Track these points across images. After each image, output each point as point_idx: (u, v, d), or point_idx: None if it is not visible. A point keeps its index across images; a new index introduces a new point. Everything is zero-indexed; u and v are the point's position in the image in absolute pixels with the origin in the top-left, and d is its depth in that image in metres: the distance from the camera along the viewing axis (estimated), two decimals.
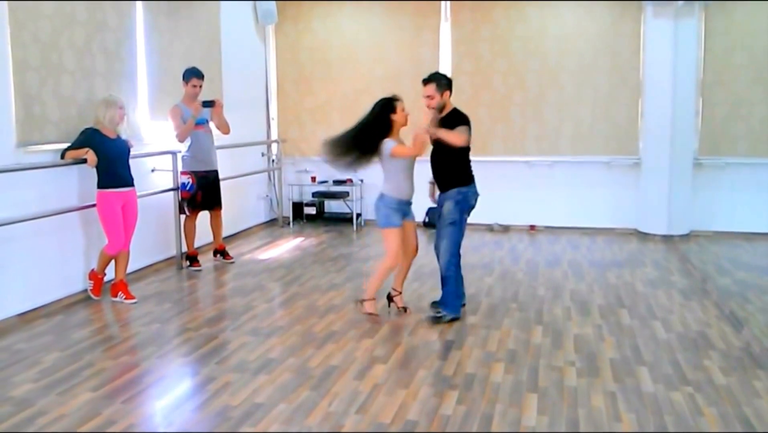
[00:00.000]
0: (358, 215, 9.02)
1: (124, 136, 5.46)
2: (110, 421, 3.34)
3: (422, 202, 5.06)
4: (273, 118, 9.41)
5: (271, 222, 9.26)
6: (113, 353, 4.32)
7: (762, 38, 7.79)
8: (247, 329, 4.76)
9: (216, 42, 7.69)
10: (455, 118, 4.87)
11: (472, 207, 5.01)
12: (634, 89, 8.22)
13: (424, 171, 5.07)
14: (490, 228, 8.62)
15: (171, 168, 6.49)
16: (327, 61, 9.17)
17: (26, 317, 4.98)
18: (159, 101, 6.55)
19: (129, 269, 5.72)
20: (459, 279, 4.98)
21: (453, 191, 4.93)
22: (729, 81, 7.93)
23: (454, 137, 4.74)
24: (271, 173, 9.30)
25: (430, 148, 4.96)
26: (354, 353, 4.28)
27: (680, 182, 7.90)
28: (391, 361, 4.14)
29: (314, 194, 9.21)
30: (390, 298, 5.16)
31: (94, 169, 5.24)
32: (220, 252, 6.95)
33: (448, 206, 4.91)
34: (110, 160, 5.26)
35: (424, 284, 5.83)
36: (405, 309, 5.09)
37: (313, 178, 9.23)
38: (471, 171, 5.01)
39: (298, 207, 9.28)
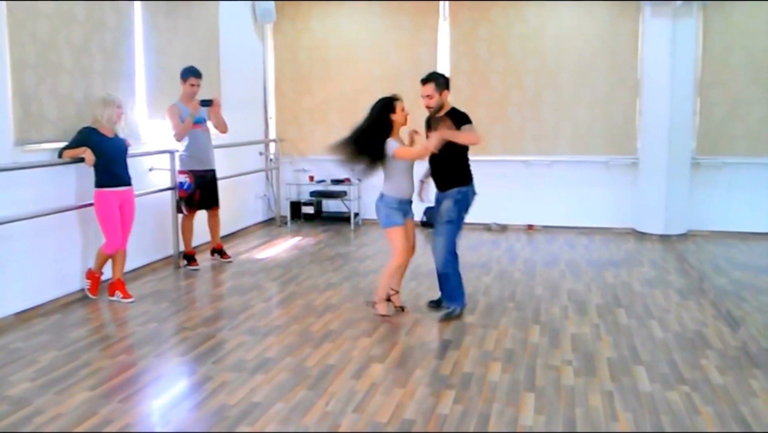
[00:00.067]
0: (356, 214, 9.02)
1: (121, 135, 5.46)
2: (107, 420, 3.34)
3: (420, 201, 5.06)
4: (271, 118, 9.41)
5: (269, 221, 9.26)
6: (110, 352, 4.32)
7: (760, 38, 7.80)
8: (244, 329, 4.76)
9: (214, 41, 7.68)
10: (457, 118, 4.88)
11: (470, 206, 5.03)
12: (632, 89, 8.22)
13: (420, 170, 5.08)
14: (487, 227, 8.63)
15: (169, 167, 6.48)
16: (325, 61, 9.17)
17: (23, 316, 4.98)
18: (157, 100, 6.54)
19: (126, 268, 5.72)
20: (459, 274, 5.01)
21: (453, 191, 4.94)
22: (727, 81, 7.94)
23: (470, 137, 4.75)
24: (269, 172, 9.30)
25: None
26: (351, 352, 4.28)
27: (678, 182, 7.91)
28: (388, 360, 4.14)
29: (312, 193, 9.21)
30: (387, 297, 5.16)
31: (92, 169, 5.23)
32: (218, 251, 6.95)
33: (447, 204, 4.92)
34: (108, 160, 5.25)
35: (422, 283, 5.83)
36: (402, 308, 5.09)
37: (311, 178, 9.23)
38: (470, 170, 5.02)
39: (295, 206, 9.27)
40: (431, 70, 5.23)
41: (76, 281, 5.56)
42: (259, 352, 4.29)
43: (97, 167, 5.23)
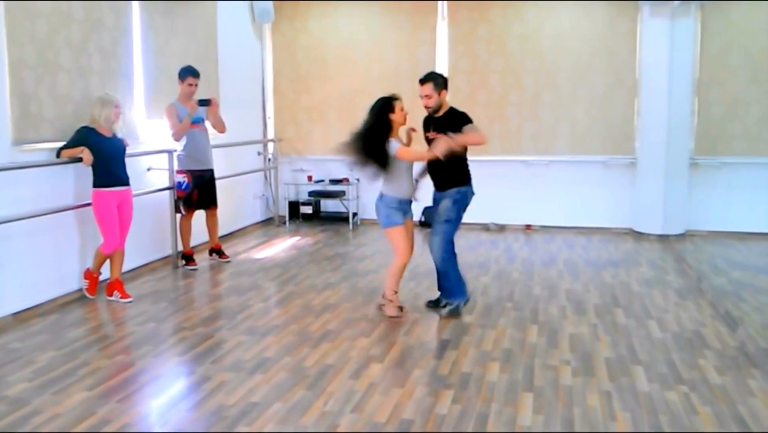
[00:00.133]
0: (354, 214, 9.02)
1: (119, 135, 5.45)
2: (105, 420, 3.33)
3: (423, 201, 5.06)
4: (269, 117, 9.40)
5: (267, 221, 9.26)
6: (108, 352, 4.31)
7: (758, 38, 7.80)
8: (242, 329, 4.76)
9: (212, 41, 7.68)
10: (458, 118, 4.88)
11: (468, 205, 5.04)
12: (631, 89, 8.23)
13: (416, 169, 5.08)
14: (486, 227, 8.63)
15: (167, 167, 6.48)
16: (323, 60, 9.17)
17: (21, 316, 4.97)
18: (155, 100, 6.54)
19: (125, 268, 5.72)
20: (458, 270, 5.04)
21: (452, 191, 4.95)
22: (725, 81, 7.95)
23: (476, 139, 4.75)
24: (267, 172, 9.30)
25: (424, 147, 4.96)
26: (349, 352, 4.28)
27: (676, 182, 7.91)
28: (386, 360, 4.14)
29: (310, 193, 9.20)
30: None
31: (90, 168, 5.23)
32: (216, 251, 6.94)
33: (447, 204, 4.93)
34: (106, 159, 5.25)
35: (420, 283, 5.83)
36: (401, 308, 5.09)
37: (310, 178, 9.23)
38: (469, 170, 5.03)
39: (294, 206, 9.27)
40: (430, 70, 5.22)
41: (74, 281, 5.55)
42: (257, 352, 4.29)
43: (95, 167, 5.22)
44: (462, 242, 5.16)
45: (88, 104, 5.40)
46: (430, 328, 4.81)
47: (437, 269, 5.08)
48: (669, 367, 4.01)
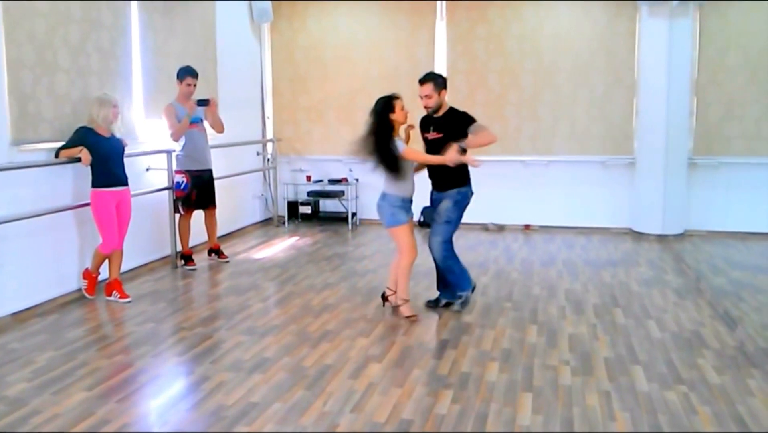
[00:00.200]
0: (353, 214, 9.02)
1: (118, 135, 5.45)
2: (104, 420, 3.33)
3: (418, 201, 5.05)
4: (268, 117, 9.40)
5: (266, 221, 9.25)
6: (107, 353, 4.31)
7: (756, 38, 7.81)
8: (241, 329, 4.76)
9: (211, 41, 7.67)
10: (459, 118, 4.89)
11: (468, 205, 5.05)
12: (630, 89, 8.23)
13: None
14: (485, 227, 8.63)
15: (166, 167, 6.47)
16: (322, 60, 9.16)
17: (20, 316, 4.97)
18: (154, 100, 6.53)
19: (124, 268, 5.71)
20: (459, 262, 5.08)
21: (452, 191, 4.96)
22: (723, 81, 7.95)
23: (487, 138, 4.80)
24: (266, 172, 9.29)
25: (419, 145, 4.96)
26: (349, 352, 4.28)
27: (675, 182, 7.92)
28: (385, 360, 4.14)
29: (309, 193, 9.20)
30: (385, 297, 5.16)
31: (89, 168, 5.22)
32: (215, 251, 6.94)
33: (447, 205, 4.94)
34: (104, 159, 5.24)
35: (419, 283, 5.83)
36: (397, 307, 5.08)
37: (309, 178, 9.23)
38: (468, 171, 5.03)
39: (293, 206, 9.26)
40: (428, 70, 5.23)
41: (73, 281, 5.55)
42: (256, 352, 4.28)
43: (94, 167, 5.22)
44: (461, 241, 5.17)
45: (87, 104, 5.39)
46: (429, 328, 4.82)
47: (439, 268, 5.10)
48: (668, 367, 4.01)
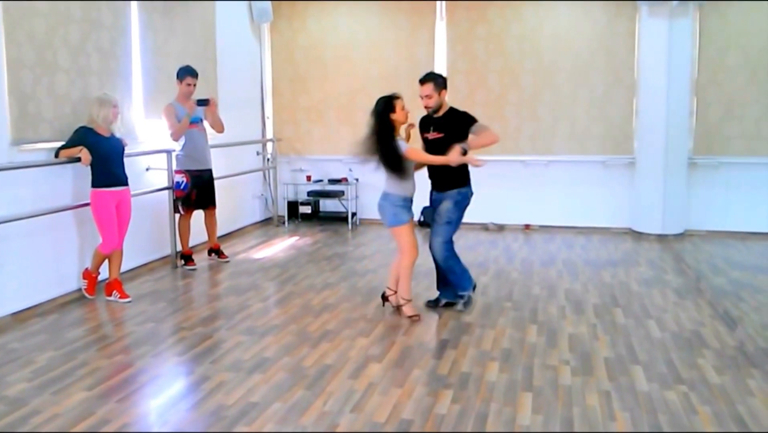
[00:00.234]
0: (353, 214, 9.02)
1: (118, 135, 5.45)
2: (104, 420, 3.33)
3: (418, 201, 5.05)
4: (268, 117, 9.40)
5: (266, 221, 9.25)
6: (107, 352, 4.31)
7: (756, 38, 7.81)
8: (241, 328, 4.76)
9: (211, 41, 7.67)
10: (460, 118, 4.90)
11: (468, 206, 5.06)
12: (629, 89, 8.23)
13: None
14: (485, 227, 8.63)
15: (166, 167, 6.47)
16: (322, 60, 9.16)
17: (20, 316, 4.97)
18: (154, 100, 6.53)
19: (124, 268, 5.71)
20: (460, 262, 5.09)
21: (453, 192, 4.96)
22: (723, 81, 7.95)
23: (489, 139, 4.84)
24: (266, 172, 9.29)
25: (415, 145, 4.96)
26: (349, 352, 4.28)
27: (675, 182, 7.92)
28: (385, 360, 4.14)
29: (309, 193, 9.20)
30: (385, 297, 5.16)
31: (89, 168, 5.22)
32: (215, 251, 6.94)
33: (448, 205, 4.94)
34: (104, 159, 5.24)
35: (419, 283, 5.82)
36: (400, 307, 5.08)
37: (308, 177, 9.23)
38: (468, 171, 5.03)
39: (293, 206, 9.26)
40: (428, 70, 5.23)
41: (73, 281, 5.55)
42: (256, 352, 4.28)
43: (94, 167, 5.22)
44: (461, 241, 5.17)
45: (87, 104, 5.39)
46: (429, 328, 4.82)
47: (440, 268, 5.11)
48: (668, 366, 4.01)
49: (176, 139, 6.39)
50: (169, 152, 6.45)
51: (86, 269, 5.53)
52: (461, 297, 5.14)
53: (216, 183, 6.79)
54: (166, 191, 6.52)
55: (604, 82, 8.31)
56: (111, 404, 3.52)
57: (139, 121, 6.39)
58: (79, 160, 5.13)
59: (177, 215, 6.57)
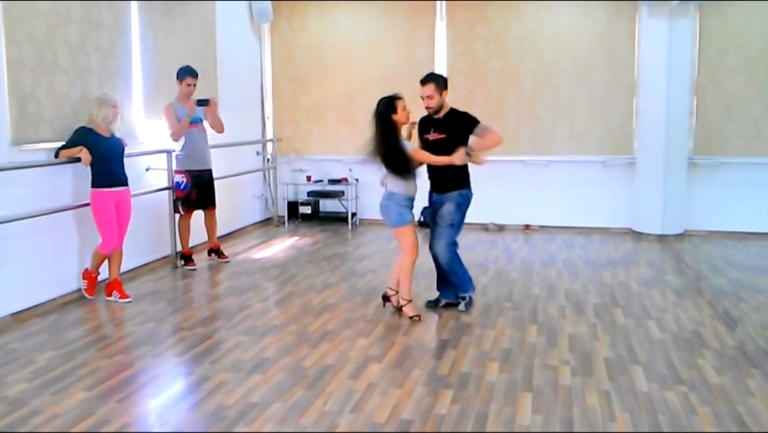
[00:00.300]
0: (353, 214, 9.01)
1: (118, 135, 5.45)
2: (104, 420, 3.33)
3: (417, 201, 5.05)
4: (268, 117, 9.40)
5: (266, 221, 9.25)
6: (107, 353, 4.31)
7: (756, 38, 7.81)
8: (241, 329, 4.76)
9: (211, 41, 7.67)
10: (462, 119, 4.91)
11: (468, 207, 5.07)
12: (629, 89, 8.23)
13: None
14: (484, 227, 8.63)
15: (165, 167, 6.47)
16: (322, 60, 9.16)
17: (20, 317, 4.97)
18: (154, 100, 6.53)
19: (124, 268, 5.71)
20: (462, 264, 5.12)
21: (454, 193, 4.96)
22: (723, 81, 7.96)
23: (494, 140, 4.88)
24: (266, 172, 9.29)
25: (412, 144, 4.96)
26: (348, 352, 4.28)
27: (674, 182, 7.92)
28: (385, 360, 4.14)
29: (309, 193, 9.20)
30: (386, 298, 5.15)
31: (88, 168, 5.22)
32: (215, 251, 6.94)
33: (450, 208, 4.95)
34: (104, 159, 5.24)
35: (419, 283, 5.82)
36: (400, 309, 5.08)
37: (308, 178, 9.23)
38: (468, 172, 5.03)
39: (293, 206, 9.27)
40: (428, 70, 5.22)
41: (72, 281, 5.55)
42: (256, 352, 4.28)
43: (94, 167, 5.22)
44: (461, 242, 5.17)
45: (87, 104, 5.39)
46: (429, 328, 4.82)
47: (443, 270, 5.10)
48: (668, 367, 4.01)
49: (176, 140, 6.39)
50: (169, 152, 6.45)
51: (86, 269, 5.53)
52: (463, 298, 5.14)
53: (216, 183, 6.79)
54: (166, 191, 6.52)
55: (603, 82, 8.31)
56: (111, 404, 3.52)
57: (139, 122, 6.39)
58: (79, 160, 5.13)
59: (177, 215, 6.57)
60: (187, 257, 6.62)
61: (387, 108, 4.71)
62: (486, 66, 8.61)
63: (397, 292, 5.07)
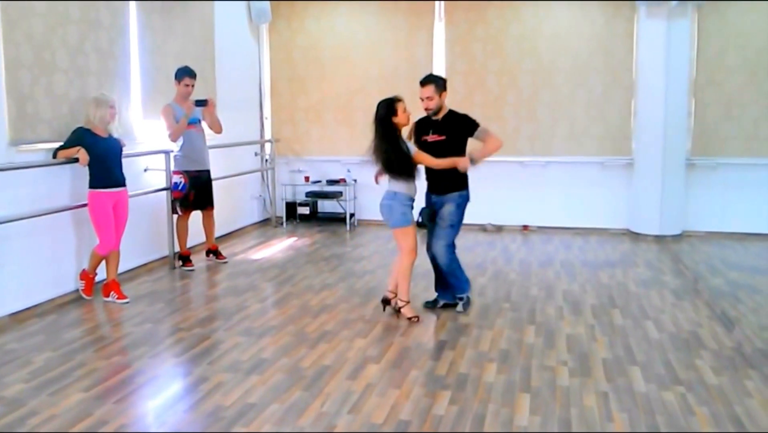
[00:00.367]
0: (352, 215, 9.01)
1: (116, 135, 5.44)
2: (102, 421, 3.33)
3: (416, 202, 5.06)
4: (266, 118, 9.40)
5: (265, 222, 9.25)
6: (105, 353, 4.31)
7: (755, 39, 7.83)
8: (239, 329, 4.75)
9: (209, 41, 7.67)
10: (462, 121, 4.91)
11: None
12: (628, 89, 8.24)
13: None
14: (483, 228, 8.63)
15: (164, 167, 6.47)
16: (321, 61, 9.16)
17: (18, 317, 4.97)
18: (152, 100, 6.53)
19: (121, 269, 5.71)
20: (460, 265, 5.13)
21: (454, 195, 4.97)
22: (721, 81, 7.97)
23: (496, 145, 4.92)
24: (265, 173, 9.29)
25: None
26: (346, 353, 4.28)
27: (673, 183, 7.93)
28: (383, 361, 4.14)
29: (307, 194, 9.19)
30: (386, 301, 5.11)
31: (86, 169, 5.22)
32: (213, 252, 6.93)
33: (450, 208, 4.96)
34: (102, 160, 5.24)
35: (417, 284, 5.82)
36: (399, 310, 5.07)
37: (307, 178, 9.23)
38: (467, 174, 5.03)
39: (291, 207, 9.27)
40: (427, 71, 5.23)
41: (70, 282, 5.54)
42: (254, 353, 4.28)
43: (91, 168, 5.21)
44: (459, 242, 5.17)
45: (85, 105, 5.39)
46: (427, 329, 4.82)
47: (442, 271, 5.10)
48: (666, 367, 4.02)
49: (174, 140, 6.38)
50: (167, 153, 6.44)
51: (84, 270, 5.53)
52: (460, 299, 5.14)
53: (214, 184, 6.79)
54: (164, 192, 6.51)
55: (602, 82, 8.32)
56: (108, 405, 3.52)
57: (138, 122, 6.39)
58: (77, 160, 5.13)
59: (175, 216, 6.57)
60: (185, 258, 6.62)
61: (387, 110, 4.70)
62: (485, 67, 8.61)
63: (396, 293, 5.06)
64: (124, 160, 5.49)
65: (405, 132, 4.92)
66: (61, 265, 5.46)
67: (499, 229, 8.67)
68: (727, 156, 8.02)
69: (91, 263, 5.44)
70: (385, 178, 4.90)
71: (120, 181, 5.41)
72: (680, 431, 3.22)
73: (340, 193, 9.01)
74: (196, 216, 6.70)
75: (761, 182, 7.95)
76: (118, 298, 5.41)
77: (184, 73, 6.36)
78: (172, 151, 6.46)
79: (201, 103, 6.38)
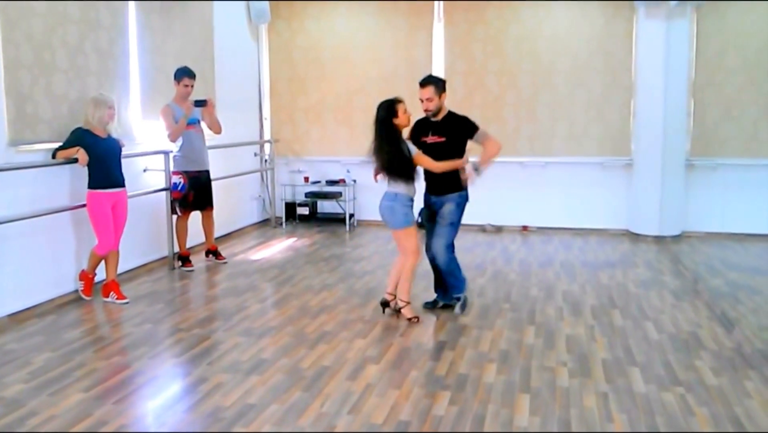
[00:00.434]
0: (351, 216, 9.01)
1: (115, 136, 5.44)
2: (101, 422, 3.32)
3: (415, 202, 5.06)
4: (266, 118, 9.40)
5: (264, 222, 9.25)
6: (105, 354, 4.30)
7: (754, 40, 7.83)
8: (239, 330, 4.75)
9: (209, 41, 7.67)
10: (461, 123, 4.92)
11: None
12: (627, 90, 8.24)
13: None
14: (482, 228, 8.63)
15: (163, 168, 6.46)
16: (320, 61, 9.16)
17: (18, 317, 4.96)
18: (152, 100, 6.53)
19: (121, 269, 5.71)
20: (458, 264, 5.14)
21: (454, 195, 4.98)
22: (721, 82, 7.97)
23: (496, 149, 4.94)
24: (264, 173, 9.29)
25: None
26: (346, 353, 4.27)
27: (672, 183, 7.93)
28: (383, 361, 4.14)
29: (307, 194, 9.19)
30: (386, 303, 5.09)
31: (86, 169, 5.21)
32: (213, 252, 6.93)
33: (451, 208, 4.96)
34: (101, 160, 5.23)
35: (417, 285, 5.80)
36: (399, 310, 5.07)
37: (306, 179, 9.22)
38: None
39: (290, 207, 9.26)
40: (427, 72, 5.23)
41: (70, 282, 5.54)
42: (254, 353, 4.28)
43: (90, 168, 5.21)
44: (458, 243, 5.17)
45: (84, 105, 5.38)
46: (426, 329, 4.82)
47: (441, 271, 5.10)
48: (665, 368, 4.02)
49: (173, 141, 6.38)
50: (166, 153, 6.44)
51: (83, 270, 5.52)
52: (458, 299, 5.14)
53: (213, 184, 6.79)
54: (164, 192, 6.51)
55: (601, 83, 8.32)
56: (108, 405, 3.52)
57: (137, 122, 6.39)
58: (76, 161, 5.13)
59: (174, 216, 6.57)
60: (184, 258, 6.62)
61: (388, 112, 4.69)
62: (484, 67, 8.61)
63: (395, 295, 5.05)
64: (123, 161, 5.48)
65: (405, 133, 4.92)
66: (61, 265, 5.46)
67: (498, 229, 8.67)
68: (726, 157, 8.02)
69: (90, 264, 5.44)
70: (383, 177, 4.90)
71: (119, 182, 5.40)
72: (680, 432, 3.22)
73: (340, 193, 9.01)
74: (195, 216, 6.70)
75: (761, 183, 7.95)
76: (117, 298, 5.41)
77: (184, 74, 6.36)
78: (171, 151, 6.45)
79: (200, 103, 6.37)
